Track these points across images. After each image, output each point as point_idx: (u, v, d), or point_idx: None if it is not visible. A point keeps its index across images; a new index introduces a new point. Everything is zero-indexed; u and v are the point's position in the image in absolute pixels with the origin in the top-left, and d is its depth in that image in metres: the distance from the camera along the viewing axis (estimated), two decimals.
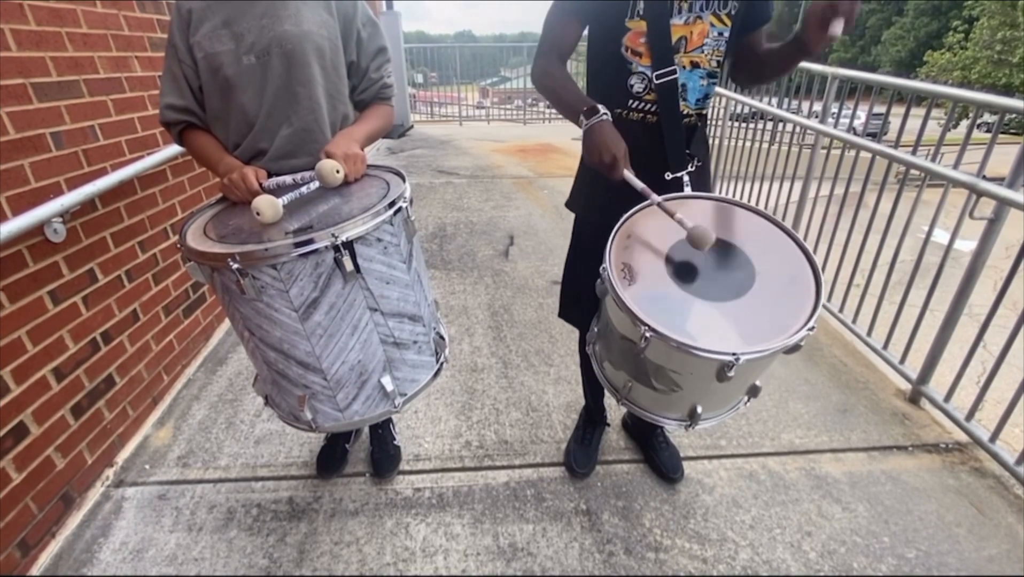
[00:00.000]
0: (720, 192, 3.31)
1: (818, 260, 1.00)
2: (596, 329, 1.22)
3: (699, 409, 1.03)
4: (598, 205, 1.31)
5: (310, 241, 0.91)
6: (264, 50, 1.17)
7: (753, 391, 1.07)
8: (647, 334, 0.89)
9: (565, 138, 6.86)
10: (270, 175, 1.26)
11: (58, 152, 1.52)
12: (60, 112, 1.54)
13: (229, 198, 1.19)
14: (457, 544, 1.45)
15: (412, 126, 7.23)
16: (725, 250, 1.04)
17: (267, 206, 0.98)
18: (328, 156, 1.13)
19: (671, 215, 1.00)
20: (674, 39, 1.09)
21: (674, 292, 0.98)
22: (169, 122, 1.23)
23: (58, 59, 1.53)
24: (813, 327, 0.89)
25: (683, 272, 1.00)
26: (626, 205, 1.10)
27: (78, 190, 1.50)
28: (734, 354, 0.85)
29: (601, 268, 1.00)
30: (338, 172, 1.08)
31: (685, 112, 1.16)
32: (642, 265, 1.02)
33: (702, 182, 1.28)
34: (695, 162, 1.20)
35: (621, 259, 1.02)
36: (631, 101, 1.17)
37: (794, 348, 0.89)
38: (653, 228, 1.08)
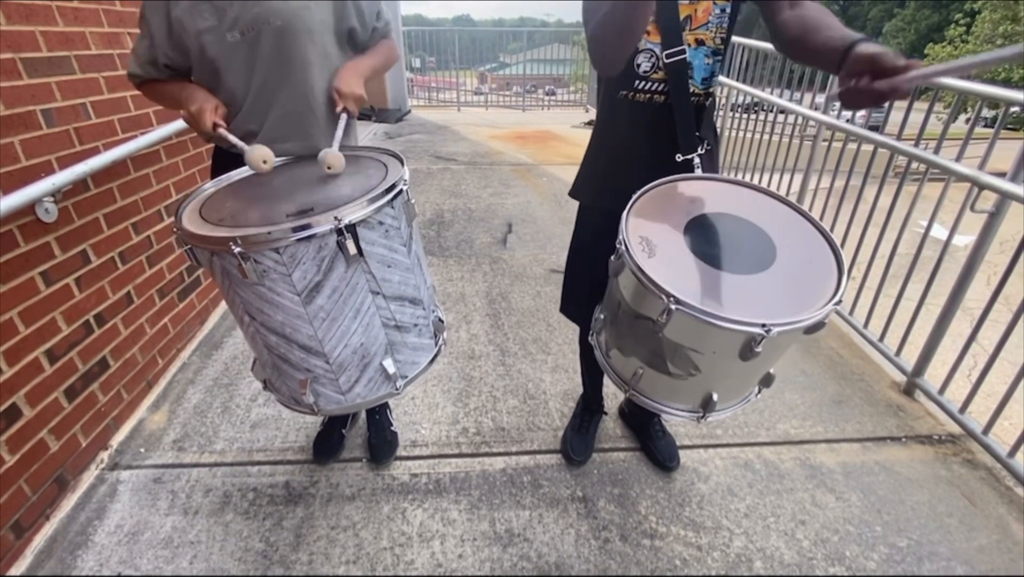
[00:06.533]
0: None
1: (835, 238, 0.98)
2: (602, 316, 1.20)
3: (715, 397, 1.00)
4: (604, 192, 1.29)
5: (313, 225, 0.89)
6: (249, 26, 1.14)
7: (766, 380, 1.04)
8: (672, 306, 0.85)
9: (564, 125, 6.81)
10: None
11: (49, 130, 1.49)
12: (51, 89, 1.50)
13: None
14: (454, 529, 1.45)
15: (410, 111, 7.15)
16: (742, 227, 1.02)
17: (334, 160, 1.12)
18: (338, 93, 1.22)
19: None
20: (680, 17, 1.08)
21: (696, 265, 0.94)
22: (134, 84, 1.27)
23: (48, 34, 1.49)
24: (840, 301, 0.87)
25: (702, 247, 0.97)
26: (632, 192, 1.09)
27: (70, 169, 1.47)
28: (764, 325, 0.82)
29: (617, 242, 0.98)
30: (329, 168, 1.14)
31: (692, 91, 1.14)
32: (661, 239, 0.98)
33: (711, 166, 1.26)
34: (705, 145, 1.19)
35: (639, 232, 0.99)
36: (638, 82, 1.15)
37: (817, 325, 0.86)
38: (670, 204, 1.06)
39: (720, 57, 1.15)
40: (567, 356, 2.18)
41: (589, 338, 1.27)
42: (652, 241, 0.98)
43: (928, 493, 1.61)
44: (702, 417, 1.04)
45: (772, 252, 0.97)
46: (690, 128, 1.15)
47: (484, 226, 3.46)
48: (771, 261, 0.95)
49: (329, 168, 1.12)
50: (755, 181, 3.23)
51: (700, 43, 1.12)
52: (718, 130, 3.82)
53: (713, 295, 0.90)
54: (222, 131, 1.16)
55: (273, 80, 1.20)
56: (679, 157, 1.17)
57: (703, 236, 1.00)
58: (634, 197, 1.06)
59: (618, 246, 0.98)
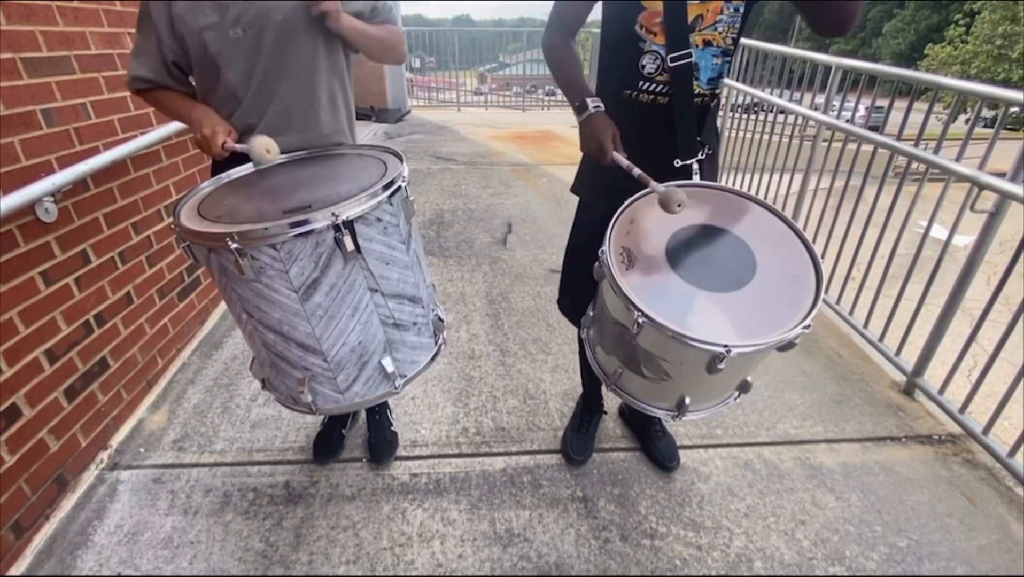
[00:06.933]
0: (721, 183, 3.29)
1: (821, 261, 0.99)
2: (591, 314, 1.22)
3: (687, 400, 1.04)
4: (603, 189, 1.29)
5: (310, 221, 0.89)
6: (252, 22, 1.14)
7: (744, 387, 1.06)
8: (640, 320, 0.88)
9: (564, 125, 6.81)
10: None
11: (49, 130, 1.49)
12: (51, 88, 1.50)
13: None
14: (454, 529, 1.45)
15: (409, 111, 7.15)
16: (728, 241, 1.03)
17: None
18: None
19: (645, 182, 1.02)
20: (690, 18, 1.07)
21: (672, 280, 0.97)
22: (136, 90, 1.26)
23: (48, 34, 1.49)
24: (808, 325, 0.88)
25: (683, 261, 0.99)
26: (631, 191, 1.09)
27: (70, 169, 1.47)
28: (725, 346, 0.85)
29: (600, 251, 0.99)
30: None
31: (697, 92, 1.14)
32: (642, 251, 1.01)
33: (711, 172, 1.26)
34: (705, 150, 1.19)
35: (621, 243, 1.01)
36: (642, 83, 1.14)
37: (788, 345, 0.88)
38: (656, 215, 1.06)
39: (729, 58, 1.14)
40: (567, 356, 2.18)
41: (580, 332, 1.29)
42: (633, 253, 1.00)
43: (928, 493, 1.61)
44: (677, 416, 1.07)
45: (752, 269, 0.98)
46: (691, 132, 1.15)
47: (484, 226, 3.46)
48: (749, 279, 0.97)
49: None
50: (755, 181, 3.23)
51: (708, 43, 1.11)
52: (719, 130, 3.82)
53: (684, 312, 0.92)
54: (231, 145, 1.16)
55: (274, 74, 1.20)
56: (677, 162, 1.17)
57: (686, 250, 1.01)
58: (624, 204, 1.07)
59: (600, 255, 1.00)
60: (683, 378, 1.00)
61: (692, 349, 0.88)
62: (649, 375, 1.02)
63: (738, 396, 1.11)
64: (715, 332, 0.88)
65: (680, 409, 1.05)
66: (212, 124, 1.17)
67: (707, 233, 1.05)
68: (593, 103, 1.12)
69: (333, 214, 0.90)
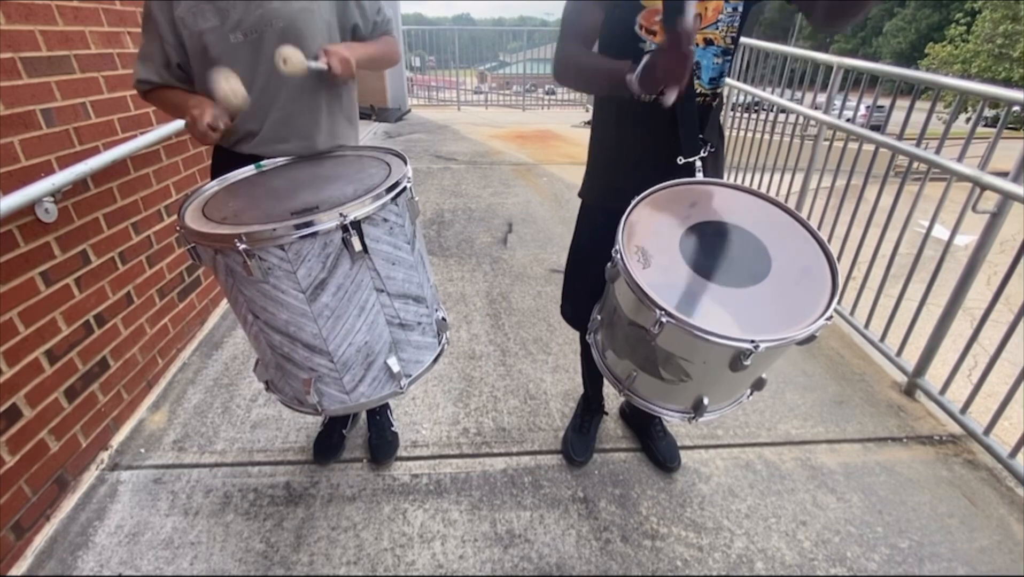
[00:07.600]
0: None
1: (831, 249, 0.98)
2: (599, 317, 1.20)
3: (705, 400, 1.01)
4: (609, 190, 1.29)
5: (316, 221, 0.89)
6: (252, 28, 1.14)
7: (758, 384, 1.05)
8: (663, 319, 0.86)
9: (564, 125, 6.80)
10: (261, 159, 1.24)
11: (49, 129, 1.48)
12: (51, 88, 1.49)
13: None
14: (455, 530, 1.45)
15: (409, 110, 7.15)
16: (738, 236, 1.02)
17: (290, 53, 1.04)
18: (324, 51, 1.16)
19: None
20: None
21: (689, 277, 0.95)
22: (143, 92, 1.25)
23: (48, 33, 1.48)
24: (831, 317, 0.87)
25: (697, 258, 0.98)
26: (638, 191, 1.08)
27: (70, 169, 1.46)
28: (753, 341, 0.83)
29: (614, 250, 0.98)
30: (284, 62, 1.07)
31: (699, 91, 1.14)
32: (656, 249, 0.99)
33: (715, 169, 1.26)
34: (708, 147, 1.18)
35: (634, 241, 0.99)
36: None
37: (809, 338, 0.87)
38: (668, 211, 1.06)
39: (730, 57, 1.14)
40: (568, 356, 2.17)
41: (587, 336, 1.28)
42: (648, 251, 0.98)
43: (929, 494, 1.61)
44: (693, 418, 1.05)
45: (767, 264, 0.97)
46: (693, 131, 1.14)
47: (484, 226, 3.46)
48: (765, 273, 0.96)
49: (284, 62, 1.05)
50: (756, 181, 3.23)
51: (709, 43, 1.11)
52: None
53: (705, 309, 0.91)
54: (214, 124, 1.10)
55: (275, 81, 1.20)
56: (680, 160, 1.17)
57: (699, 246, 1.00)
58: (633, 203, 1.06)
59: (614, 254, 0.98)
60: (704, 378, 0.98)
61: (717, 347, 0.86)
62: (667, 377, 1.00)
63: (751, 394, 1.10)
64: (737, 328, 0.86)
65: (697, 410, 1.03)
66: (203, 104, 1.12)
67: (717, 229, 1.04)
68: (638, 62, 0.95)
69: (341, 215, 0.90)
